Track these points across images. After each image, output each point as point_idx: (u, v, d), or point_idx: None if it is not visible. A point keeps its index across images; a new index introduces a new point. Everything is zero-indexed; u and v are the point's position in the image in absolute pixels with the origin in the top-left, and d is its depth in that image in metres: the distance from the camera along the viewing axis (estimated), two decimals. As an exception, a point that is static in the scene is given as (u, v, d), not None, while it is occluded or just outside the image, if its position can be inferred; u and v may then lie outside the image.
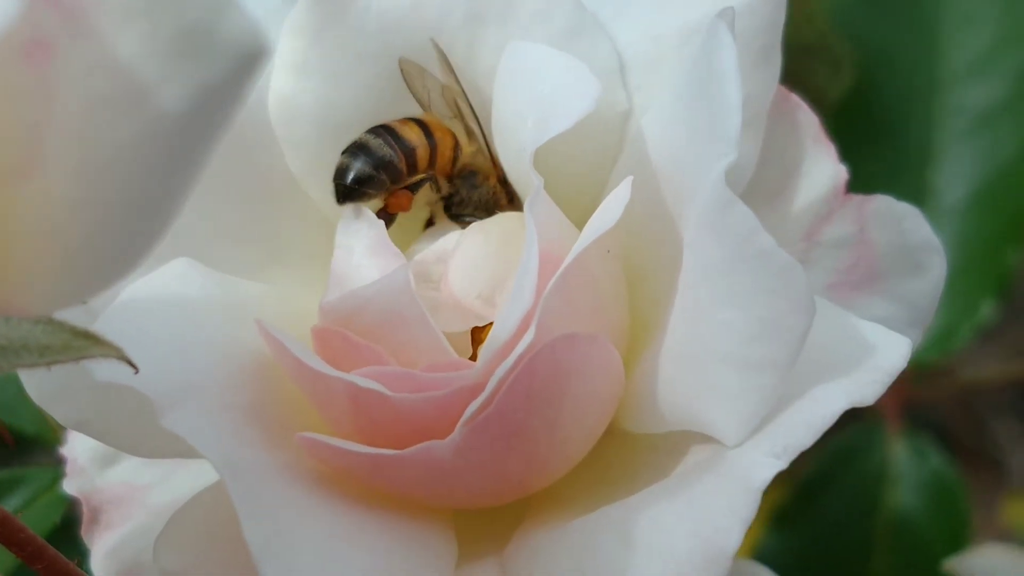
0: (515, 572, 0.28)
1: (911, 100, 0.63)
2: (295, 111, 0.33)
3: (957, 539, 0.58)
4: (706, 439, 0.27)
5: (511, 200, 0.33)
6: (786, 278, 0.25)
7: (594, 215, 0.28)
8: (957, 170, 0.62)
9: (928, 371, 0.62)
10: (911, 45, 0.64)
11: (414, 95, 0.32)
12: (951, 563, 0.53)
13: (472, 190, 0.33)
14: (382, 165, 0.31)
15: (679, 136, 0.28)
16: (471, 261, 0.30)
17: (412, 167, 0.32)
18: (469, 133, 0.32)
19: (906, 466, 0.60)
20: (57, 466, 0.41)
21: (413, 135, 0.32)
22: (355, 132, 0.33)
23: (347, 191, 0.31)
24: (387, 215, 0.32)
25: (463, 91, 0.32)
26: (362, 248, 0.30)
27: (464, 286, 0.29)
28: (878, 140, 0.64)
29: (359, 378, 0.27)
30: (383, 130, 0.32)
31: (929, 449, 0.60)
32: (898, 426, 0.60)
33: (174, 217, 0.22)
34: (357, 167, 0.31)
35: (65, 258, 0.22)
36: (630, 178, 0.28)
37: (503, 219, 0.31)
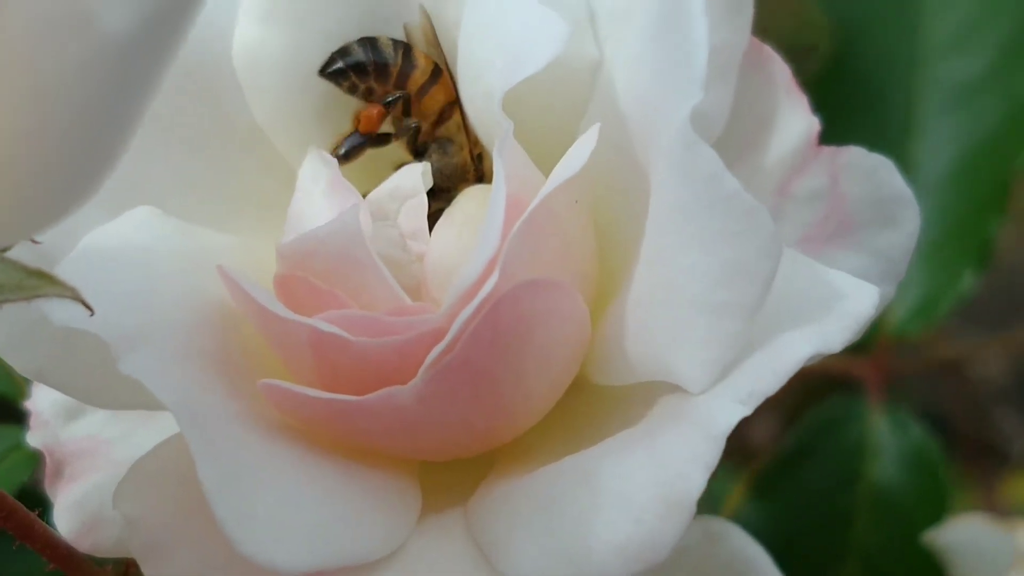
0: (478, 521, 0.28)
1: (892, 73, 0.63)
2: (260, 59, 0.32)
3: (937, 511, 0.58)
4: (673, 390, 0.27)
5: (480, 179, 0.32)
6: (752, 221, 0.25)
7: (561, 161, 0.28)
8: (938, 143, 0.62)
9: (910, 343, 0.62)
10: (891, 18, 0.64)
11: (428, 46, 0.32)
12: (931, 534, 0.53)
13: (443, 157, 0.32)
14: (377, 63, 0.32)
15: (645, 79, 0.27)
16: (444, 260, 0.29)
17: (400, 82, 0.32)
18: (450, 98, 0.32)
19: (887, 438, 0.60)
20: (24, 424, 0.40)
21: (423, 60, 0.32)
22: (319, 82, 0.32)
23: (330, 67, 0.31)
24: (359, 137, 0.31)
25: (443, 53, 0.32)
26: (319, 189, 0.29)
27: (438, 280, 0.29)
28: (858, 113, 0.63)
29: (320, 322, 0.26)
30: (404, 44, 0.32)
31: (910, 421, 0.60)
32: (879, 398, 0.60)
33: (123, 147, 0.21)
34: (356, 52, 0.31)
35: (11, 190, 0.21)
36: (597, 125, 0.28)
37: (470, 202, 0.31)
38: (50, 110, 0.20)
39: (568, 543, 0.25)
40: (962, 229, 0.60)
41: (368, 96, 0.32)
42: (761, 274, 0.25)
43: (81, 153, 0.21)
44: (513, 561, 0.26)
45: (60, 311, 0.26)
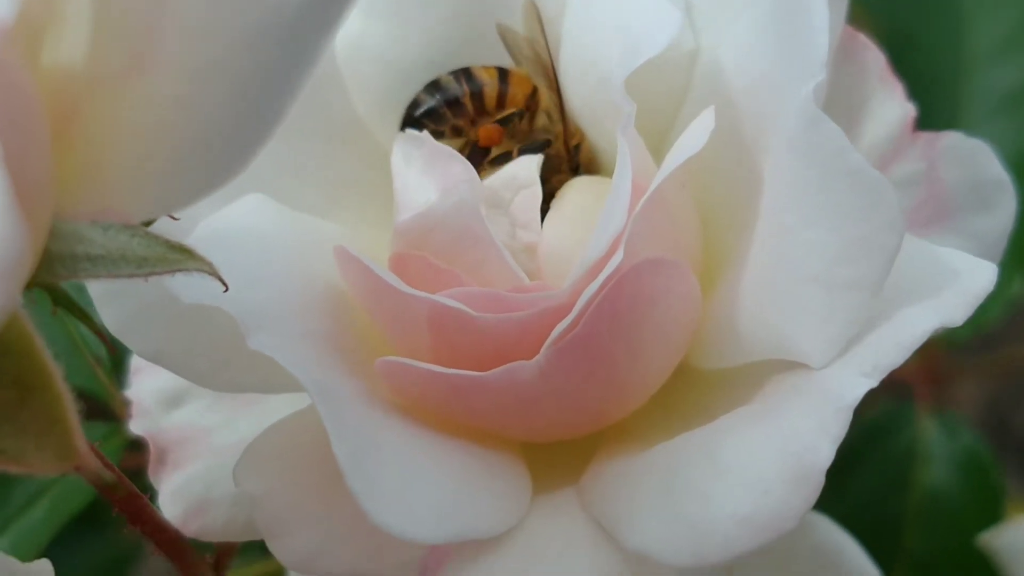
0: (595, 499, 0.28)
1: (936, 83, 0.64)
2: (362, 52, 0.33)
3: (990, 515, 0.58)
4: (785, 369, 0.27)
5: (574, 170, 0.33)
6: (877, 196, 0.25)
7: (678, 141, 0.28)
8: (985, 150, 0.62)
9: (960, 348, 0.62)
10: (935, 28, 0.64)
11: (511, 56, 0.32)
12: (985, 538, 0.53)
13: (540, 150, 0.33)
14: (446, 101, 0.32)
15: (761, 63, 0.28)
16: (558, 249, 0.29)
17: (478, 106, 0.32)
18: (551, 90, 0.32)
19: (937, 442, 0.60)
20: (111, 421, 0.41)
21: (486, 76, 0.32)
22: (422, 74, 0.33)
23: (410, 119, 0.32)
24: (480, 149, 0.32)
25: (547, 44, 0.32)
26: (415, 170, 0.30)
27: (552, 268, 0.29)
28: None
29: (443, 298, 0.27)
30: (461, 72, 0.32)
31: (960, 426, 0.60)
32: (929, 403, 0.60)
33: (282, 118, 0.22)
34: (425, 100, 0.32)
35: (170, 161, 0.22)
36: (712, 107, 0.28)
37: (578, 194, 0.31)
38: (215, 81, 0.21)
39: (693, 515, 0.25)
40: (1012, 235, 0.60)
41: (458, 133, 0.33)
42: (886, 248, 0.25)
43: (239, 126, 0.21)
44: (638, 535, 0.26)
45: (190, 289, 0.26)
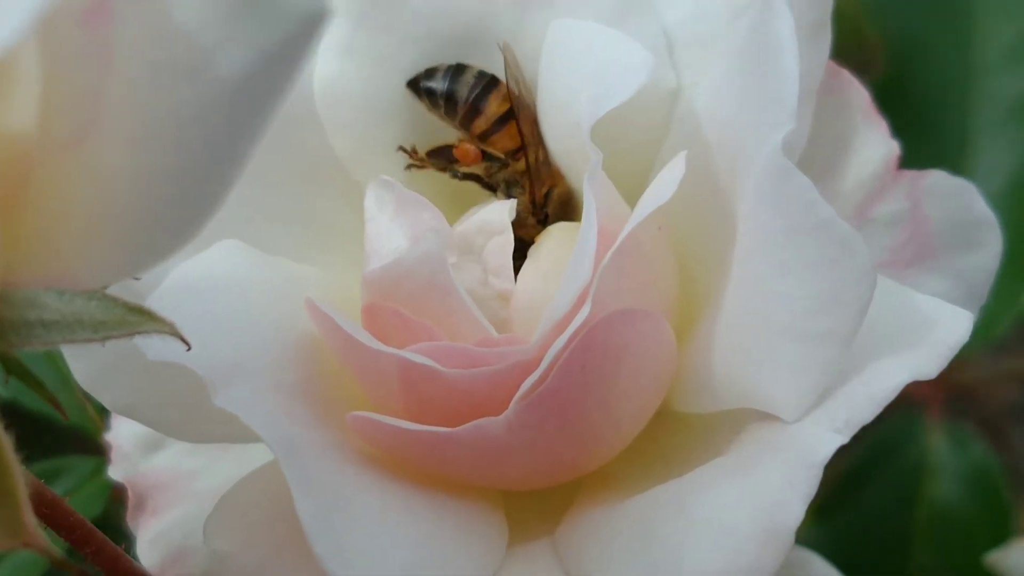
0: (568, 551, 0.28)
1: (946, 90, 0.63)
2: (340, 93, 0.32)
3: (999, 531, 0.57)
4: (761, 417, 0.27)
5: (543, 221, 0.32)
6: (847, 248, 0.25)
7: (648, 189, 0.28)
8: (994, 159, 0.62)
9: (968, 363, 0.62)
10: (945, 34, 0.63)
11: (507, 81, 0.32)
12: (994, 555, 0.52)
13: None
14: (448, 94, 0.32)
15: (733, 108, 0.27)
16: (531, 301, 0.29)
17: (466, 122, 0.32)
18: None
19: (947, 457, 0.59)
20: (98, 456, 0.41)
21: (494, 105, 0.32)
22: (399, 114, 0.32)
23: (415, 84, 0.32)
24: (448, 160, 0.32)
25: (523, 93, 0.32)
26: (387, 215, 0.29)
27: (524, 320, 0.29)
28: (913, 131, 0.63)
29: (411, 354, 0.27)
30: (489, 79, 0.32)
31: (970, 440, 0.59)
32: (938, 417, 0.60)
33: (230, 187, 0.21)
34: (437, 78, 0.31)
35: (119, 229, 0.22)
36: (684, 153, 0.28)
37: (554, 244, 0.30)
38: (161, 150, 0.21)
39: (665, 571, 0.25)
40: (1021, 246, 0.59)
41: (445, 119, 0.32)
42: (857, 301, 0.25)
43: (189, 194, 0.21)
44: (610, 590, 0.26)
45: (155, 347, 0.26)
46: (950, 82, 0.62)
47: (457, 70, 0.32)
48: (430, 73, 0.32)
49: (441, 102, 0.32)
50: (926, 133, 0.63)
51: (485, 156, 0.32)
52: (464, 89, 0.31)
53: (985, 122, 0.62)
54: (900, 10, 0.64)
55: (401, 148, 0.32)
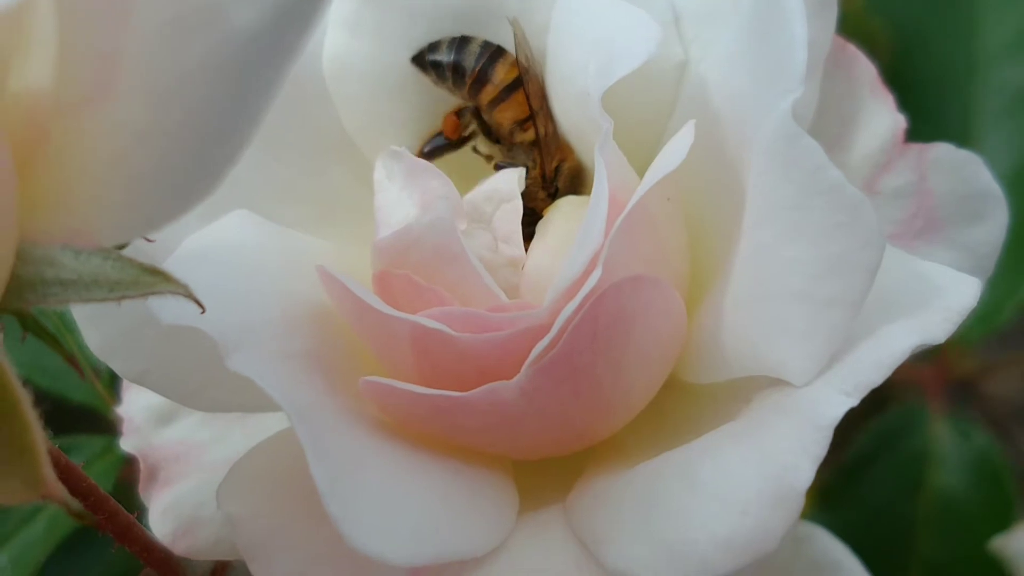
0: (579, 518, 0.28)
1: (948, 81, 0.63)
2: (348, 69, 0.32)
3: (1002, 518, 0.57)
4: (770, 385, 0.27)
5: (552, 195, 0.32)
6: (855, 212, 0.25)
7: (657, 157, 0.28)
8: (996, 149, 0.62)
9: (971, 352, 0.62)
10: (947, 25, 0.63)
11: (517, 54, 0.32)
12: (998, 542, 0.52)
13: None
14: (454, 65, 0.32)
15: (742, 77, 0.28)
16: (541, 272, 0.29)
17: (474, 92, 0.32)
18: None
19: (950, 446, 0.59)
20: (108, 435, 0.41)
21: (501, 73, 0.32)
22: (408, 89, 0.33)
23: (420, 58, 0.32)
24: (442, 139, 0.32)
25: (532, 67, 0.32)
26: (396, 185, 0.30)
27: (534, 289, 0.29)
28: (915, 121, 0.63)
29: (424, 319, 0.27)
30: (495, 49, 0.32)
31: (973, 428, 0.59)
32: (941, 406, 0.60)
33: (245, 145, 0.22)
34: (442, 51, 0.32)
35: (135, 186, 0.22)
36: (692, 121, 0.28)
37: (561, 218, 0.31)
38: (176, 107, 0.21)
39: (672, 537, 0.25)
40: (1023, 235, 0.60)
41: (453, 91, 0.33)
42: (866, 265, 0.25)
43: (204, 150, 0.21)
44: (618, 557, 0.26)
45: (169, 310, 0.26)
46: (953, 73, 0.63)
47: (463, 41, 0.32)
48: (434, 47, 0.32)
49: (448, 74, 0.32)
50: (929, 124, 0.63)
51: (459, 115, 0.32)
52: (471, 59, 0.32)
53: (988, 112, 0.62)
54: (904, 4, 0.64)
55: (393, 151, 0.32)
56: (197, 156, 0.21)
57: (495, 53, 0.32)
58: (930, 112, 0.63)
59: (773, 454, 0.25)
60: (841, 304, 0.25)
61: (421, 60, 0.32)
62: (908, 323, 0.26)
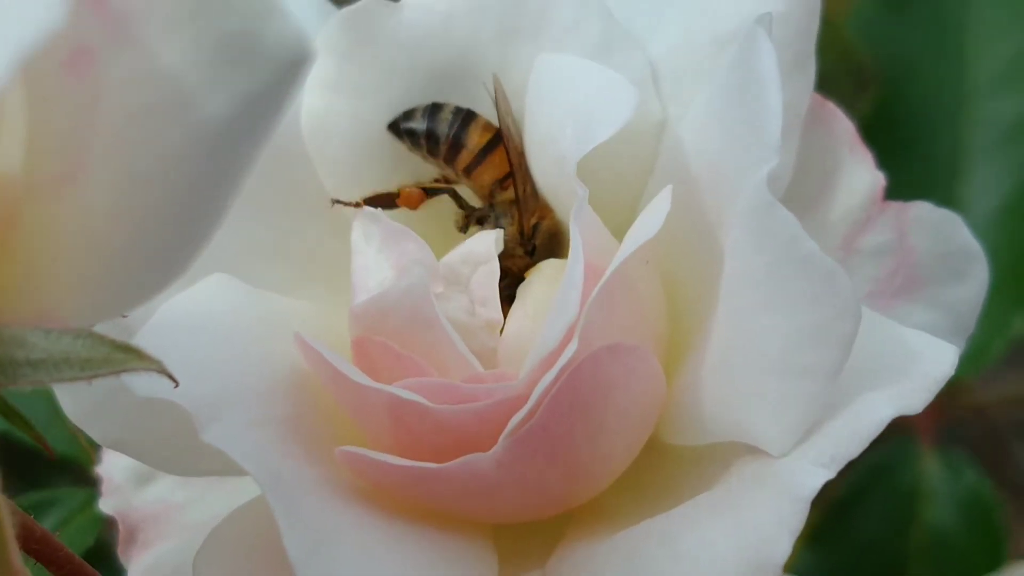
0: (558, 585, 0.28)
1: (938, 114, 0.63)
2: (327, 128, 0.32)
3: (994, 556, 0.57)
4: (750, 450, 0.27)
5: (531, 252, 0.32)
6: (831, 283, 0.25)
7: (635, 224, 0.28)
8: (986, 183, 0.62)
9: (961, 388, 0.62)
10: (937, 59, 0.63)
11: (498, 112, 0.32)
12: (988, 583, 0.52)
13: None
14: (428, 133, 0.32)
15: (717, 143, 0.28)
16: (519, 339, 0.29)
17: (450, 158, 0.32)
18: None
19: (940, 482, 0.59)
20: (90, 487, 0.41)
21: (475, 137, 0.32)
22: (388, 148, 0.33)
23: (395, 127, 0.32)
24: (392, 204, 0.32)
25: (504, 124, 0.32)
26: (373, 247, 0.30)
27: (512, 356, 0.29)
28: (905, 154, 0.63)
29: (400, 390, 0.27)
30: (466, 114, 0.32)
31: (963, 465, 0.59)
32: (932, 442, 0.60)
33: (216, 227, 0.21)
34: (417, 119, 0.32)
35: (106, 269, 0.22)
36: (669, 187, 0.28)
37: (541, 283, 0.30)
38: (147, 192, 0.21)
39: (652, 608, 0.25)
40: (1013, 271, 0.60)
41: (427, 160, 0.33)
42: (841, 337, 0.25)
43: (175, 234, 0.21)
44: (598, 626, 0.26)
45: (143, 383, 0.26)
46: (943, 106, 0.63)
47: (434, 108, 0.32)
48: (409, 115, 0.32)
49: (423, 141, 0.32)
50: (919, 157, 0.63)
51: (429, 193, 0.32)
52: (443, 126, 0.32)
53: (978, 145, 0.62)
54: (892, 35, 0.64)
55: (336, 201, 0.32)
56: (168, 238, 0.21)
57: (467, 117, 0.32)
58: (920, 145, 0.63)
59: (751, 526, 0.25)
60: (817, 375, 0.25)
61: (396, 128, 0.32)
62: (885, 393, 0.26)
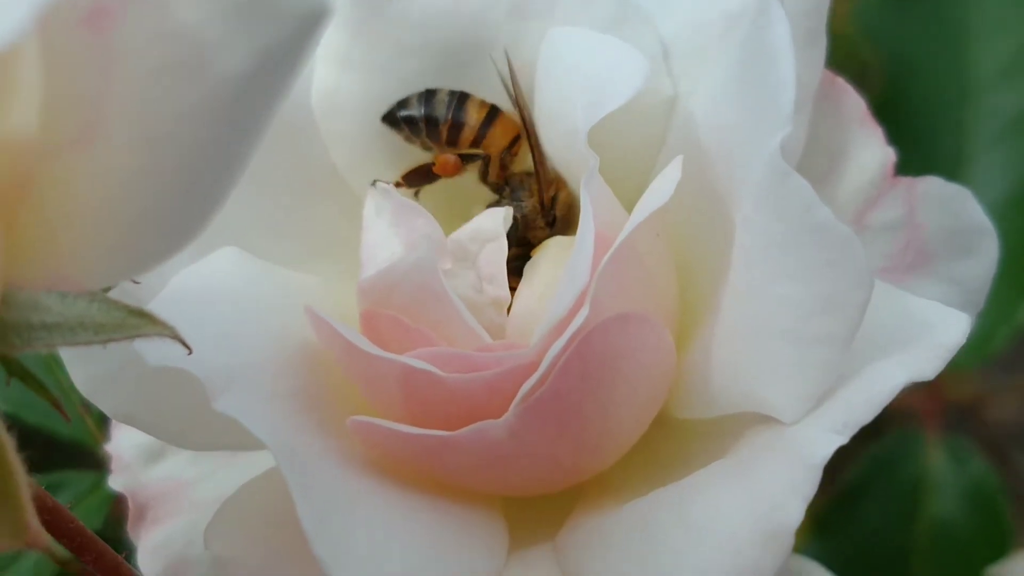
0: (569, 557, 0.28)
1: (941, 107, 0.63)
2: (338, 105, 0.32)
3: (999, 547, 0.57)
4: (760, 422, 0.27)
5: (551, 223, 0.32)
6: (845, 251, 0.25)
7: (645, 194, 0.28)
8: (989, 176, 0.62)
9: (967, 377, 0.62)
10: (939, 52, 0.64)
11: (507, 90, 0.32)
12: (993, 570, 0.52)
13: (514, 203, 0.32)
14: (427, 118, 0.32)
15: (730, 114, 0.28)
16: (527, 315, 0.29)
17: (452, 138, 0.32)
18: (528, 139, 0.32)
19: (945, 473, 0.59)
20: (97, 470, 0.41)
21: (473, 113, 0.32)
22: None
23: (391, 117, 0.32)
24: (432, 175, 0.32)
25: (519, 93, 0.32)
26: (384, 221, 0.30)
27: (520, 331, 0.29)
28: (909, 148, 0.63)
29: (412, 359, 0.27)
30: (456, 96, 0.32)
31: (969, 456, 0.59)
32: (937, 432, 0.60)
33: (232, 187, 0.21)
34: (412, 106, 0.32)
35: (121, 231, 0.22)
36: (680, 157, 0.28)
37: (548, 261, 0.31)
38: (164, 151, 0.21)
39: (665, 576, 0.25)
40: (1016, 262, 0.60)
41: (427, 147, 0.33)
42: (855, 304, 0.25)
43: (190, 195, 0.21)
44: (609, 595, 0.26)
45: (156, 351, 0.26)
46: (946, 99, 0.63)
47: (428, 94, 0.32)
48: (404, 103, 0.32)
49: (422, 126, 0.32)
50: (922, 151, 0.63)
51: (465, 159, 0.32)
52: (441, 108, 0.32)
53: (981, 139, 0.62)
54: (896, 31, 0.64)
55: (376, 181, 0.32)
56: (184, 199, 0.21)
57: (462, 98, 0.32)
58: (923, 138, 0.63)
59: (763, 493, 0.25)
60: (830, 342, 0.25)
61: (393, 118, 0.32)
62: (898, 360, 0.26)
